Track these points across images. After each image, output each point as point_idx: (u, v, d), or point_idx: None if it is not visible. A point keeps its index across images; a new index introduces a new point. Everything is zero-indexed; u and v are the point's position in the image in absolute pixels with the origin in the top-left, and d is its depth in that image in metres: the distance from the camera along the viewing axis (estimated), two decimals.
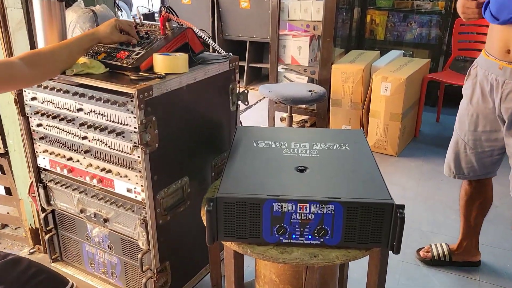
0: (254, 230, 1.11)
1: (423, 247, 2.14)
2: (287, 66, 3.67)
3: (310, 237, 1.11)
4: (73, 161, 1.55)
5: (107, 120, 1.39)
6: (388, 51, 3.79)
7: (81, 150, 1.51)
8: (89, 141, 1.47)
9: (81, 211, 1.61)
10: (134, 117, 1.31)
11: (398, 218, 1.06)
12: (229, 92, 1.68)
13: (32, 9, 1.51)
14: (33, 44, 1.75)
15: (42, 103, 1.53)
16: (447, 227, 2.38)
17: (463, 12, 1.61)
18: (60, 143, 1.56)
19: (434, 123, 3.87)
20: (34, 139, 1.62)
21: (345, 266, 1.64)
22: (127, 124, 1.35)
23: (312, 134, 1.53)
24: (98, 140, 1.44)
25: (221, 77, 1.61)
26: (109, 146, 1.43)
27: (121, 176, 1.44)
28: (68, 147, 1.54)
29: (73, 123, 1.48)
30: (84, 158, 1.51)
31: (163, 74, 1.38)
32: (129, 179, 1.42)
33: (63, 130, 1.52)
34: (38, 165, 1.66)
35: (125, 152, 1.40)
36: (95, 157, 1.49)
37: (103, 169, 1.47)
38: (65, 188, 1.62)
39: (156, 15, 3.16)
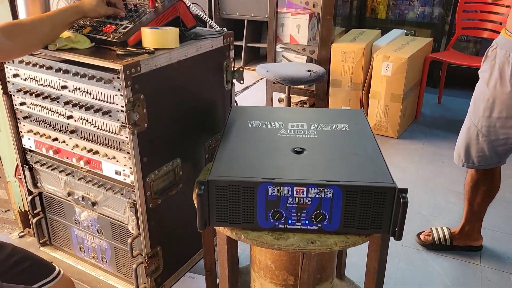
0: (248, 215, 1.05)
1: (424, 231, 2.09)
2: (285, 45, 3.58)
3: (307, 222, 1.05)
4: (59, 142, 1.47)
5: (93, 98, 1.31)
6: (389, 30, 3.69)
7: (67, 130, 1.43)
8: (75, 120, 1.40)
9: (69, 194, 1.54)
10: (121, 95, 1.23)
11: (401, 203, 0.99)
12: (224, 70, 1.60)
13: None
14: (15, 16, 1.66)
15: (25, 80, 1.45)
16: (448, 210, 2.33)
17: None
18: (45, 123, 1.48)
19: (436, 104, 3.79)
20: (18, 119, 1.55)
21: (343, 250, 1.59)
22: (113, 103, 1.27)
23: (310, 114, 1.46)
24: (84, 119, 1.37)
25: (214, 54, 1.53)
26: (95, 126, 1.35)
27: (109, 158, 1.37)
28: (53, 127, 1.47)
29: (57, 102, 1.40)
30: (70, 138, 1.44)
31: (152, 50, 1.31)
32: (117, 161, 1.35)
33: (47, 109, 1.44)
34: (23, 146, 1.59)
35: (112, 133, 1.32)
36: (81, 138, 1.41)
37: (90, 150, 1.40)
38: (52, 170, 1.55)
39: None
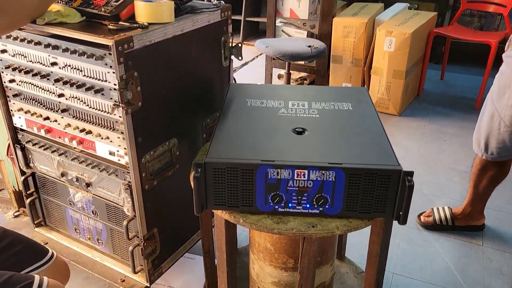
0: (247, 198, 1.01)
1: (424, 212, 2.06)
2: (285, 20, 3.48)
3: (308, 206, 1.01)
4: (51, 121, 1.42)
5: (84, 75, 1.25)
6: (392, 3, 3.59)
7: (58, 109, 1.38)
8: (66, 99, 1.34)
9: (62, 175, 1.50)
10: (113, 72, 1.17)
11: (406, 186, 0.95)
12: (221, 46, 1.54)
13: None
14: None
15: (13, 56, 1.38)
16: (450, 190, 2.29)
17: None
18: (36, 101, 1.43)
19: (438, 81, 3.72)
20: (8, 96, 1.49)
21: None
22: (106, 80, 1.21)
23: (312, 92, 1.40)
24: (76, 98, 1.31)
25: (212, 29, 1.46)
26: (88, 105, 1.30)
27: (102, 138, 1.32)
28: (44, 106, 1.41)
29: (47, 79, 1.34)
30: (62, 117, 1.39)
31: (146, 24, 1.24)
32: (111, 141, 1.30)
33: (37, 86, 1.39)
34: (14, 124, 1.54)
35: (105, 112, 1.27)
36: (73, 117, 1.36)
37: (82, 130, 1.35)
38: (44, 149, 1.50)
39: None
